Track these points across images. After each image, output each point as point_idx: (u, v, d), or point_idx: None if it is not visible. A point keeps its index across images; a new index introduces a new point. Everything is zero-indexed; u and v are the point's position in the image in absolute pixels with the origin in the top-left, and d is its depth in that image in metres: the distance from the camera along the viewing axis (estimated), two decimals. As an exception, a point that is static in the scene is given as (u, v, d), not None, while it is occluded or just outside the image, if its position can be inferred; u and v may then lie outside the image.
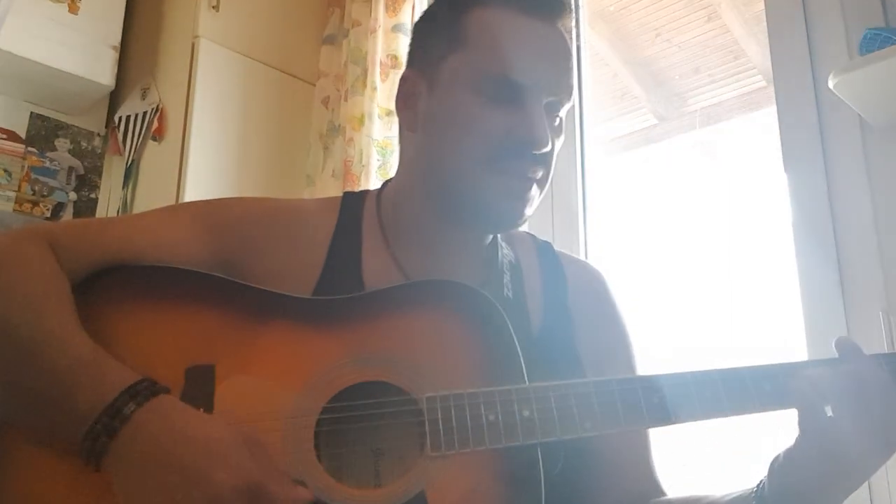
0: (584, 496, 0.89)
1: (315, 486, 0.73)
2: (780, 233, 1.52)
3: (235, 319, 0.81)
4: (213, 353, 0.78)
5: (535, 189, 0.90)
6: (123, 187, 2.27)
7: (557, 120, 0.92)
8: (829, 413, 0.71)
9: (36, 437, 0.75)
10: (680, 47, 2.54)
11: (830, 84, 1.28)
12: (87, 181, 2.38)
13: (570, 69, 0.91)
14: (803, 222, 1.44)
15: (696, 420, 0.75)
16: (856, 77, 1.25)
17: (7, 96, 2.25)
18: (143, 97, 2.30)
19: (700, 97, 2.53)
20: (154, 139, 2.22)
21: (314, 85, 2.35)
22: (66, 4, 2.18)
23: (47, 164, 2.30)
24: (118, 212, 2.26)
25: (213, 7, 2.20)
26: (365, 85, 2.10)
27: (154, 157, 2.23)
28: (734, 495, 0.80)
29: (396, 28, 2.13)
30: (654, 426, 0.78)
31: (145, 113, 2.27)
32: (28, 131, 2.29)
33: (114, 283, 0.82)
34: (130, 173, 2.27)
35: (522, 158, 0.87)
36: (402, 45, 2.11)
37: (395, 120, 1.01)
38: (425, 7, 2.08)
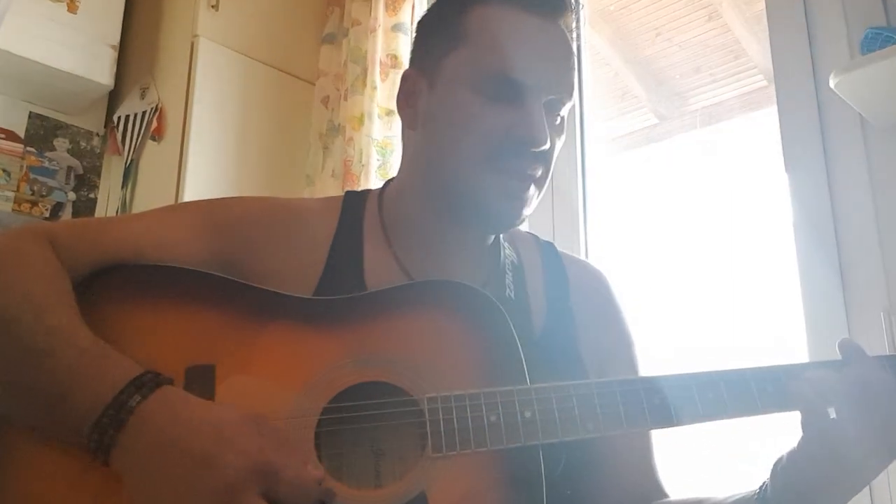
0: (586, 497, 0.89)
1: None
2: (782, 233, 1.51)
3: (236, 319, 0.80)
4: (214, 353, 0.78)
5: (533, 188, 0.90)
6: (122, 187, 2.27)
7: (558, 119, 0.92)
8: (833, 415, 0.70)
9: (37, 436, 0.74)
10: (680, 47, 2.54)
11: (831, 83, 1.27)
12: (86, 181, 2.37)
13: (570, 67, 0.91)
14: (804, 222, 1.43)
15: (698, 422, 0.75)
16: (857, 76, 1.25)
17: (6, 96, 2.25)
18: (143, 97, 2.30)
19: (701, 97, 2.53)
20: (153, 139, 2.22)
21: (314, 84, 2.34)
22: (64, 4, 2.18)
23: (46, 163, 2.30)
24: (117, 212, 2.26)
25: (213, 6, 2.20)
26: (365, 84, 2.10)
27: (153, 156, 2.23)
28: (737, 497, 0.79)
29: (396, 27, 2.13)
30: (655, 428, 0.77)
31: (144, 112, 2.27)
32: (27, 131, 2.28)
33: (114, 282, 0.82)
34: (129, 173, 2.27)
35: (521, 157, 0.87)
36: (402, 44, 2.11)
37: (395, 119, 1.00)
38: (425, 6, 2.09)
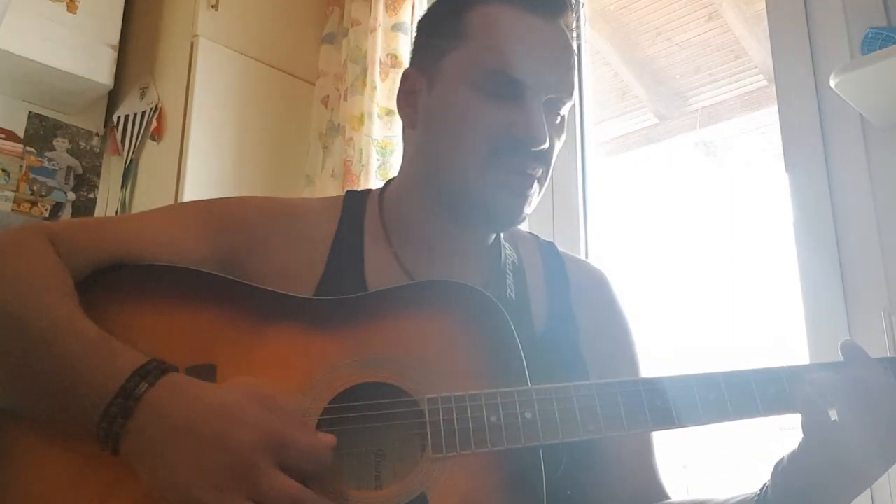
0: (587, 498, 0.89)
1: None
2: (782, 233, 1.51)
3: (237, 319, 0.80)
4: (215, 353, 0.78)
5: (534, 187, 0.89)
6: (122, 187, 2.27)
7: (558, 118, 0.92)
8: (834, 417, 0.70)
9: (42, 429, 0.74)
10: (681, 46, 2.54)
11: (832, 83, 1.27)
12: (85, 181, 2.37)
13: (570, 67, 0.91)
14: (805, 222, 1.43)
15: (699, 424, 0.74)
16: (857, 76, 1.25)
17: (5, 96, 2.25)
18: (142, 96, 2.30)
19: (701, 96, 2.53)
20: (153, 139, 2.22)
21: (314, 84, 2.34)
22: (64, 3, 2.18)
23: (46, 163, 2.30)
24: (117, 211, 2.26)
25: (213, 6, 2.20)
26: (364, 84, 2.10)
27: (153, 156, 2.23)
28: (737, 499, 0.79)
29: (396, 27, 2.13)
30: (656, 429, 0.77)
31: (144, 112, 2.27)
32: (26, 131, 2.28)
33: (114, 282, 0.82)
34: (129, 173, 2.27)
35: (521, 155, 0.87)
36: (402, 44, 2.10)
37: (395, 119, 1.00)
38: (425, 6, 2.09)
